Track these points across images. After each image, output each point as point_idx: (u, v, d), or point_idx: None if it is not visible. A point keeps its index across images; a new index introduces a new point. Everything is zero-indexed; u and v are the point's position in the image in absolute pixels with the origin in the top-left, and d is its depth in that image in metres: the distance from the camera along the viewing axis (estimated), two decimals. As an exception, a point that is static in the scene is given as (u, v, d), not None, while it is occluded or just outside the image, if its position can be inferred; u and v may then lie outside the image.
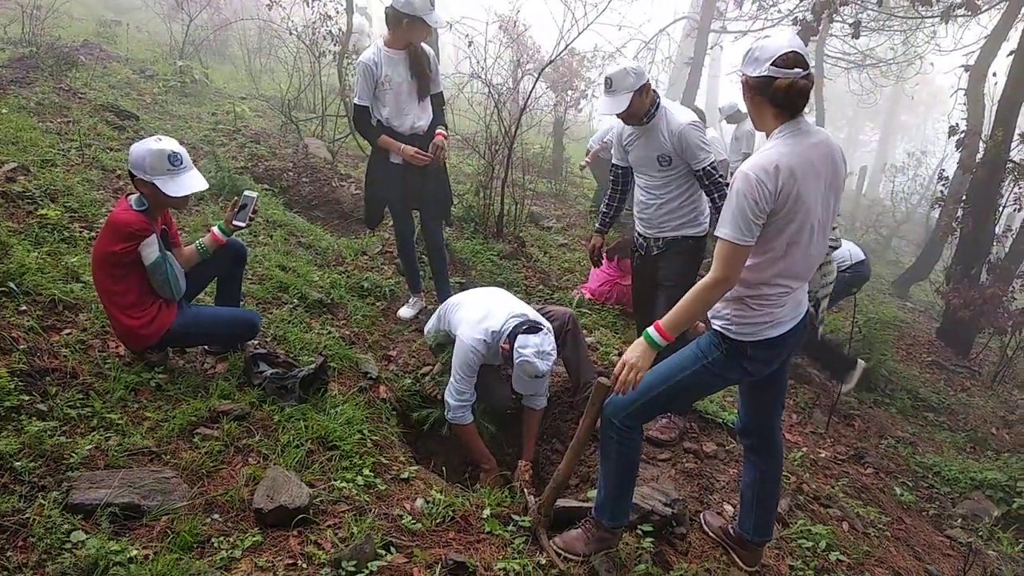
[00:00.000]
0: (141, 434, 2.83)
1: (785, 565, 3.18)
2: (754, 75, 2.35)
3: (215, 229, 3.45)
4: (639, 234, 4.15)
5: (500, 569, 2.60)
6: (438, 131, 4.49)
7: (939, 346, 7.93)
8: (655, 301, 4.10)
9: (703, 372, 2.53)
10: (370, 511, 2.73)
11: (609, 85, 3.70)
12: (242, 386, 3.33)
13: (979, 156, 7.47)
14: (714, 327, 2.51)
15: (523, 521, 2.85)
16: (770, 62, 2.31)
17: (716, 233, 2.36)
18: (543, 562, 2.69)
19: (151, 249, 3.09)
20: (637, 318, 4.59)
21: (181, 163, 3.11)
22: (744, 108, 8.13)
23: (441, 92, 4.57)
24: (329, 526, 2.60)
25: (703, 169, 3.80)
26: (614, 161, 4.23)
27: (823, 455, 4.57)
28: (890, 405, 5.95)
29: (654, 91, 3.77)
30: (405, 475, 3.08)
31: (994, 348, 7.96)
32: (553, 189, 11.40)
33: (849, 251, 6.11)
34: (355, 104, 4.39)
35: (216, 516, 2.53)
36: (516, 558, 2.67)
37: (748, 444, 2.92)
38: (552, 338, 3.66)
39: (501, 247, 6.48)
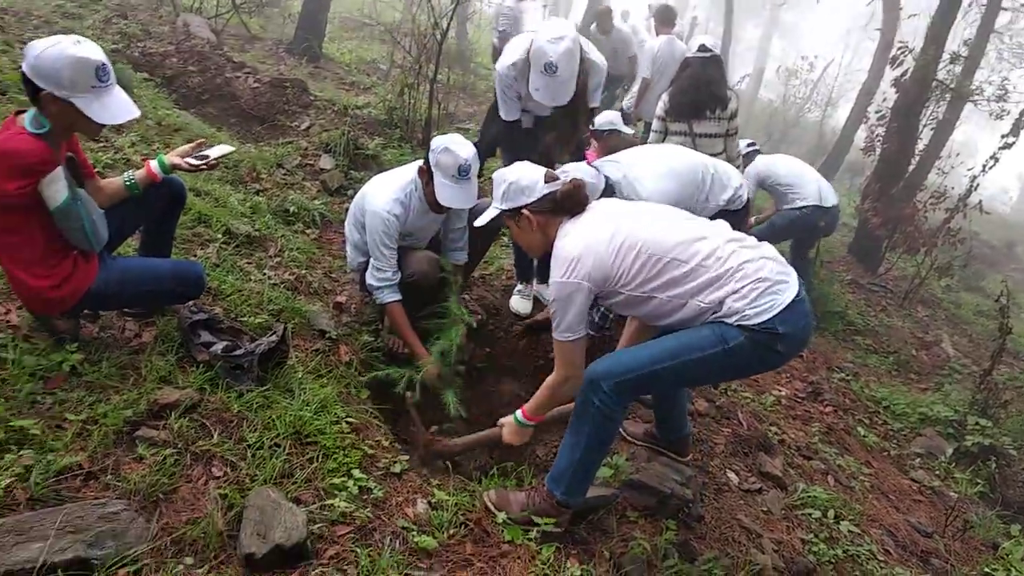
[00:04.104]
0: (65, 445, 2.16)
1: (797, 539, 3.03)
2: (533, 200, 2.36)
3: (153, 164, 2.66)
4: None
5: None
6: None
7: (851, 261, 8.11)
8: None
9: (720, 357, 2.16)
10: (375, 530, 2.26)
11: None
12: (182, 363, 2.66)
13: (906, 72, 7.40)
14: (732, 324, 2.16)
15: (546, 525, 2.47)
16: (540, 181, 2.36)
17: (557, 337, 2.33)
18: (577, 575, 2.34)
19: (56, 187, 2.27)
20: None
21: (108, 78, 2.29)
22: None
23: None
24: (333, 559, 2.11)
25: None
26: None
27: (783, 393, 4.49)
28: (825, 329, 5.99)
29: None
30: (397, 469, 2.60)
31: (902, 266, 8.25)
32: (461, 82, 10.58)
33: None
34: None
35: (188, 560, 1.96)
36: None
37: None
38: None
39: (432, 158, 5.80)
